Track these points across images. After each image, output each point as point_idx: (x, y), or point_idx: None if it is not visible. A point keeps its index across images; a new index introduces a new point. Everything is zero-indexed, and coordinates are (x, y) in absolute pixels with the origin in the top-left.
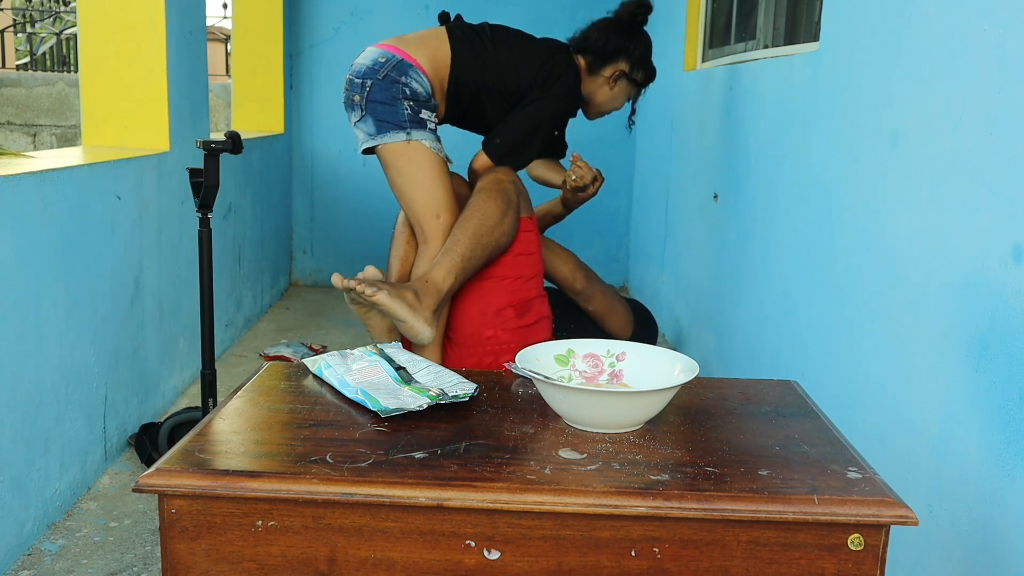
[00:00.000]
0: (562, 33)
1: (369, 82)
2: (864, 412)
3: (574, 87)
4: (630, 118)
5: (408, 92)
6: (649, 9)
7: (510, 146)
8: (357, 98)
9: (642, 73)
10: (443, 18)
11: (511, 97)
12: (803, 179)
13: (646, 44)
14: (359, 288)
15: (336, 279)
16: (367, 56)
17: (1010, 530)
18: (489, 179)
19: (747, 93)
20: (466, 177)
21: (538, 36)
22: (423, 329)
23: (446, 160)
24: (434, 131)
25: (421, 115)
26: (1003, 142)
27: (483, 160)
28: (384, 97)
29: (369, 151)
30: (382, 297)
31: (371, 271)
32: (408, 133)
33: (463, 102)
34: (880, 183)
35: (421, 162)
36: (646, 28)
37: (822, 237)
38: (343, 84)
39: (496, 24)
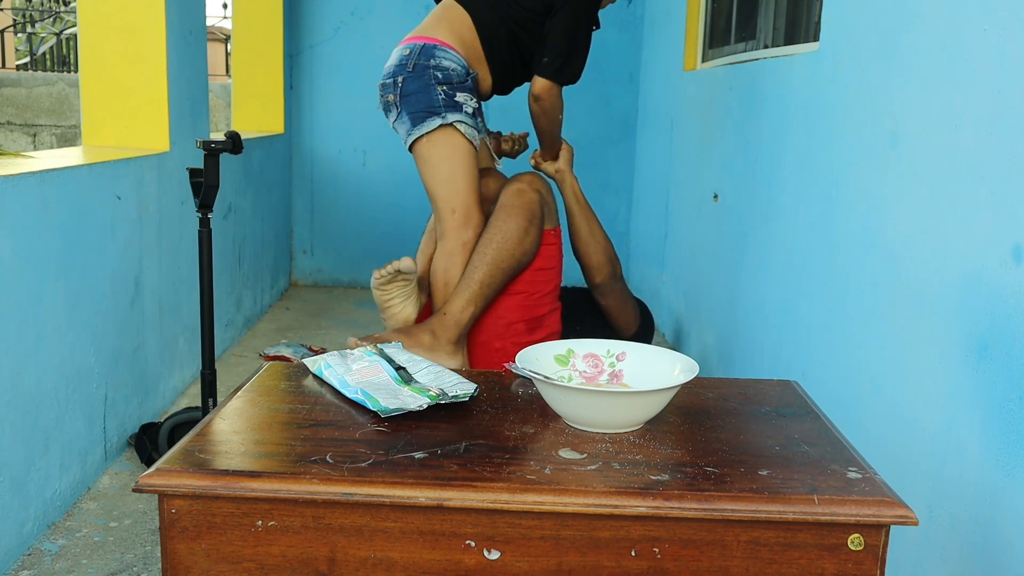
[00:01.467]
0: None
1: (401, 78)
2: (864, 412)
3: None
4: None
5: (440, 76)
6: None
7: (560, 59)
8: (391, 97)
9: None
10: None
11: (542, 17)
12: (803, 179)
13: None
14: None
15: (352, 344)
16: (393, 56)
17: (1010, 530)
18: (512, 191)
19: (747, 93)
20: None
21: None
22: (447, 363)
23: (488, 152)
24: (472, 115)
25: (456, 98)
26: (1003, 142)
27: (541, 83)
28: (417, 87)
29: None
30: None
31: (407, 262)
32: (443, 116)
33: (504, 52)
34: (880, 183)
35: (447, 152)
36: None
37: (822, 237)
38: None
39: None
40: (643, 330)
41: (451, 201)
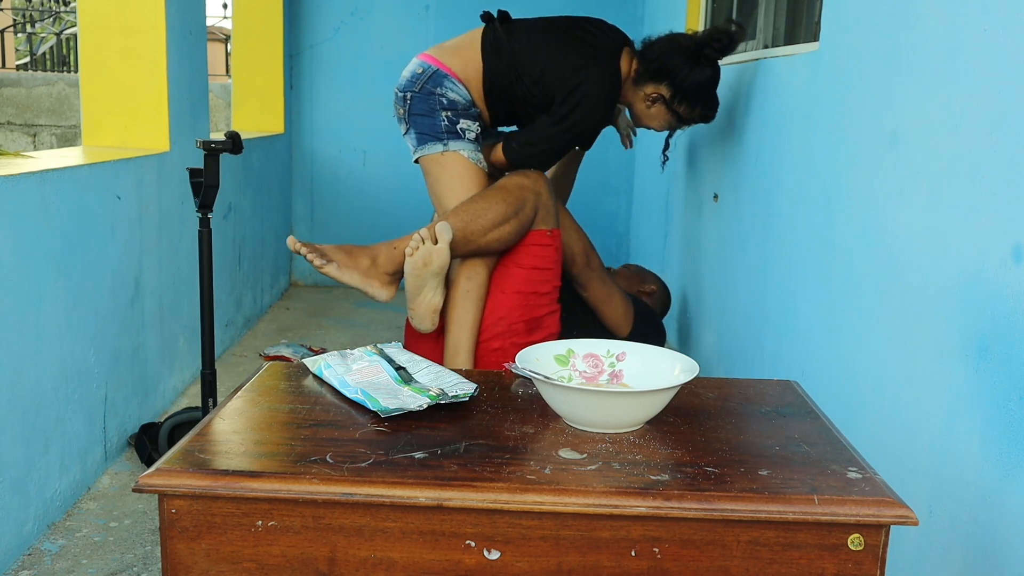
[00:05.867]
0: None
1: (409, 95)
2: (864, 412)
3: (601, 103)
4: (663, 151)
5: (445, 102)
6: (728, 43)
7: (526, 154)
8: (401, 111)
9: (685, 106)
10: (485, 18)
11: (540, 106)
12: (803, 179)
13: (704, 78)
14: (309, 257)
15: (290, 241)
16: (408, 68)
17: (1010, 530)
18: (514, 181)
19: (747, 93)
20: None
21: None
22: (378, 293)
23: (485, 170)
24: (474, 140)
25: (459, 125)
26: (1003, 142)
27: (498, 155)
28: (423, 109)
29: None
30: (331, 270)
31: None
32: (445, 144)
33: (499, 107)
34: (880, 183)
35: (456, 171)
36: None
37: (822, 237)
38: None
39: (539, 21)
40: (653, 339)
41: None
